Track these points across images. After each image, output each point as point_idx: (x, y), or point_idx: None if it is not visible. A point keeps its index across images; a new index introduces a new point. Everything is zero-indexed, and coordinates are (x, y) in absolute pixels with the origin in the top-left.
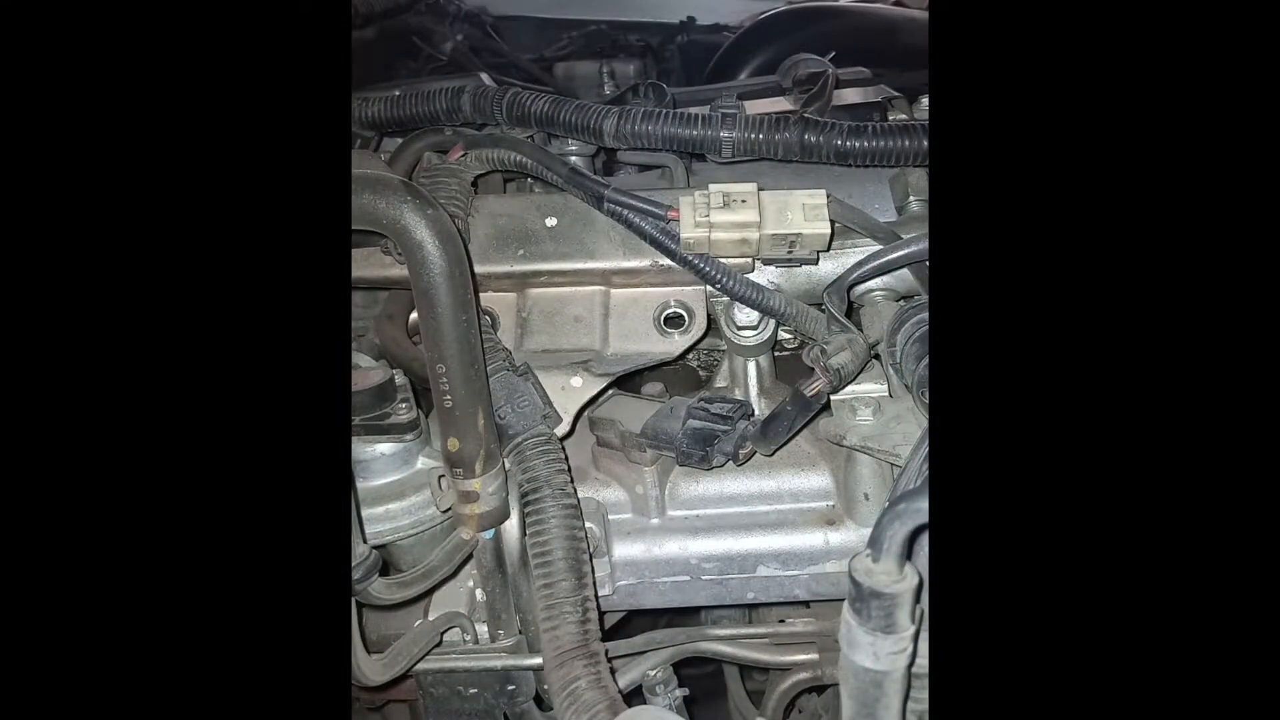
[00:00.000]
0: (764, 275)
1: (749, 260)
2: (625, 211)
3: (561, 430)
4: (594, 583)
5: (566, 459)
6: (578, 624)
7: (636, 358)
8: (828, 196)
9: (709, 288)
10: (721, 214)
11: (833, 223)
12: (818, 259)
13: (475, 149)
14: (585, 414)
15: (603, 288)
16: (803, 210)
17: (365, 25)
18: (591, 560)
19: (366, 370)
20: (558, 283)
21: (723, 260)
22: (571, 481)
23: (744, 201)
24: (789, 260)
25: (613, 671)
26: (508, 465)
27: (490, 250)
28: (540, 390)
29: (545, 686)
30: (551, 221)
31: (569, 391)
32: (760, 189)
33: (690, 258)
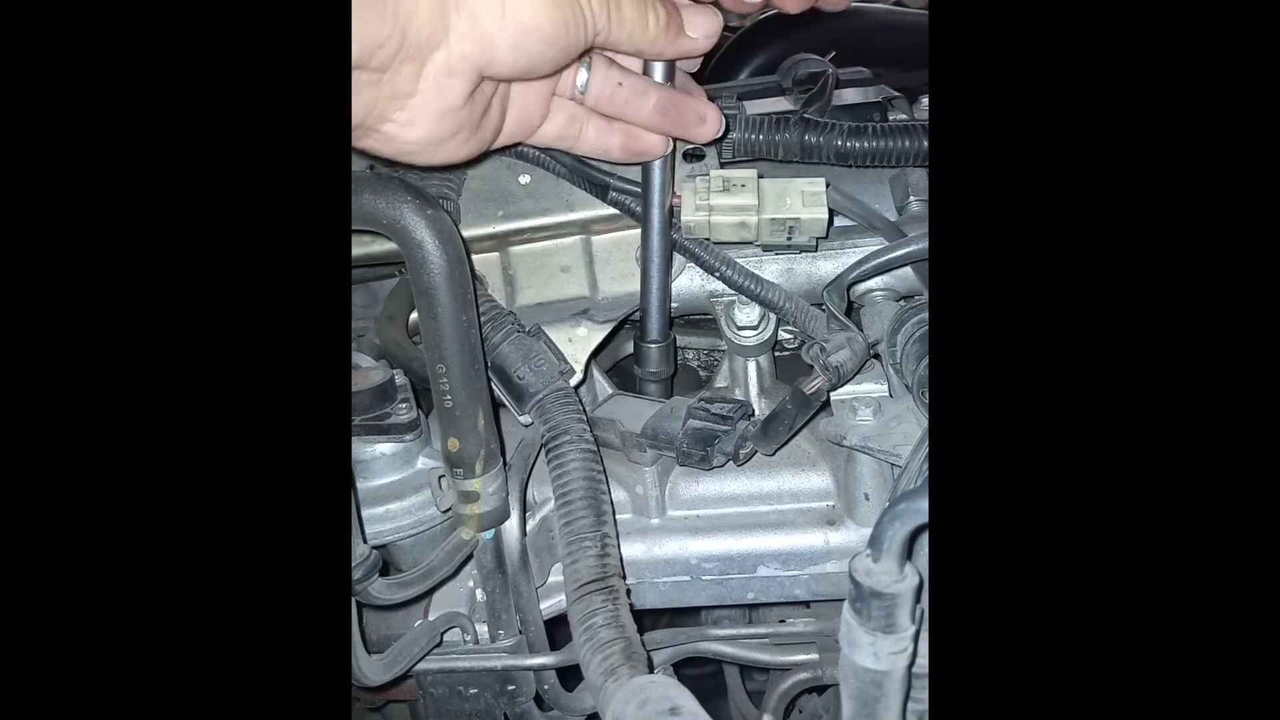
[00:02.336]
0: (765, 274)
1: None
2: (628, 200)
3: (575, 380)
4: (614, 522)
5: (584, 407)
6: (596, 557)
7: (628, 299)
8: (826, 185)
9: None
10: (721, 197)
11: (831, 211)
12: (816, 245)
13: None
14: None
15: (583, 236)
16: (801, 196)
17: None
18: (613, 503)
19: (366, 370)
20: (539, 237)
21: (726, 252)
22: (591, 430)
23: (743, 186)
24: (788, 246)
25: (633, 608)
26: (529, 420)
27: (469, 214)
28: (553, 347)
29: (569, 620)
30: (525, 179)
31: (576, 341)
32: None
33: (689, 244)
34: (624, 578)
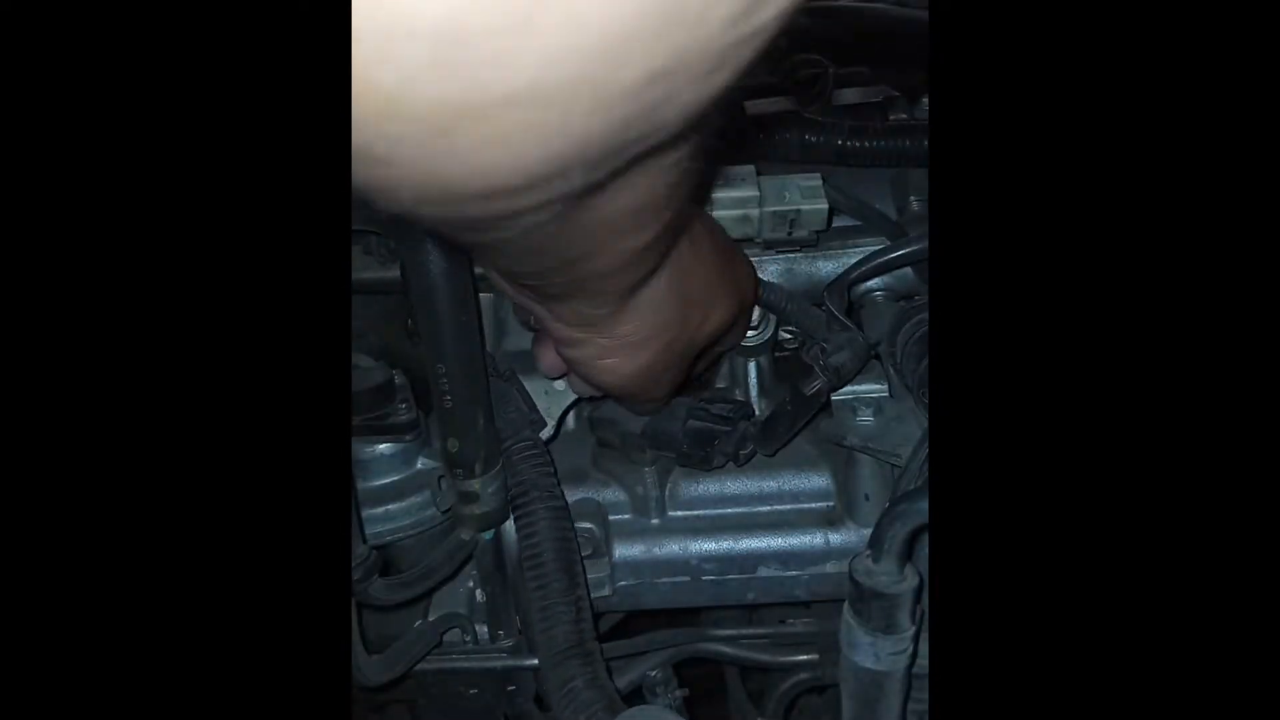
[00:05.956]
0: (765, 275)
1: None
2: None
3: (546, 434)
4: (587, 583)
5: (552, 461)
6: (571, 623)
7: None
8: (823, 179)
9: None
10: (721, 191)
11: (830, 206)
12: (817, 240)
13: None
14: (585, 415)
15: None
16: (800, 190)
17: None
18: (583, 563)
19: (366, 370)
20: None
21: None
22: (559, 484)
23: (743, 180)
24: (789, 240)
25: (609, 670)
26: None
27: None
28: (525, 395)
29: (545, 687)
30: None
31: (553, 395)
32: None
33: None
34: (598, 640)
